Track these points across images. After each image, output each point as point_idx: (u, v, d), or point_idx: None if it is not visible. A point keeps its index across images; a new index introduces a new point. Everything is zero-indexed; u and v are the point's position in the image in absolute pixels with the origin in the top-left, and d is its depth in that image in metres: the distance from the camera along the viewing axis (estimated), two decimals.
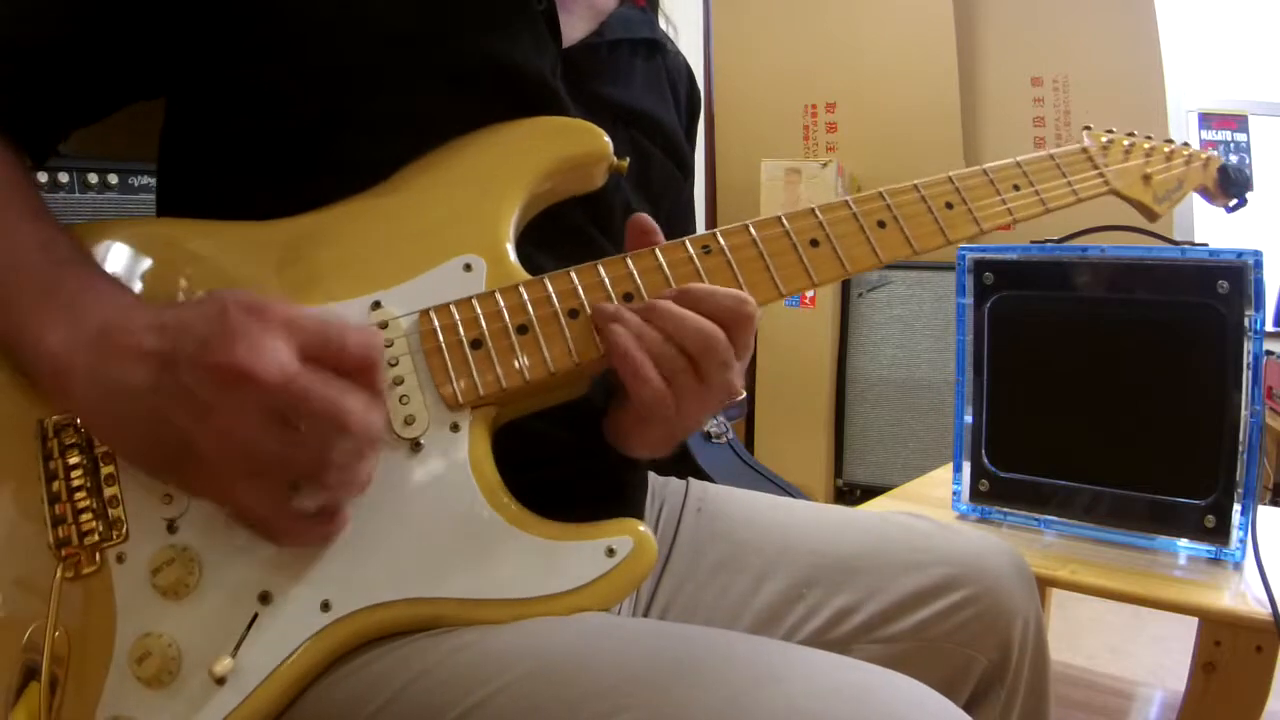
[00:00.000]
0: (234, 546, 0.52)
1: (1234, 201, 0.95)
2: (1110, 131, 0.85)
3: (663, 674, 0.47)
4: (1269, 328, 1.33)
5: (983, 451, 1.12)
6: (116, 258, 0.58)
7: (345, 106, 0.62)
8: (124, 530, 0.52)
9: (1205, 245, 1.01)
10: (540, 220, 0.66)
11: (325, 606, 0.51)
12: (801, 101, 2.92)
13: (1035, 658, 0.73)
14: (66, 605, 0.50)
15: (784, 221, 0.64)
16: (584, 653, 0.49)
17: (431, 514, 0.54)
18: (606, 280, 0.60)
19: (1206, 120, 2.83)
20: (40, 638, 0.49)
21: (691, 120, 0.87)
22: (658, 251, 0.62)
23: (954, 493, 1.14)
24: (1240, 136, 2.84)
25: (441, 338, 0.57)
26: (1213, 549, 0.98)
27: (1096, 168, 0.81)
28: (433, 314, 0.57)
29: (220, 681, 0.49)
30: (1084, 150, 0.81)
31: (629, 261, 0.61)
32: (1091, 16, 2.61)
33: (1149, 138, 0.88)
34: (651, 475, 0.82)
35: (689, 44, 2.98)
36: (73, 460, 0.53)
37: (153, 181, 1.17)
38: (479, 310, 0.58)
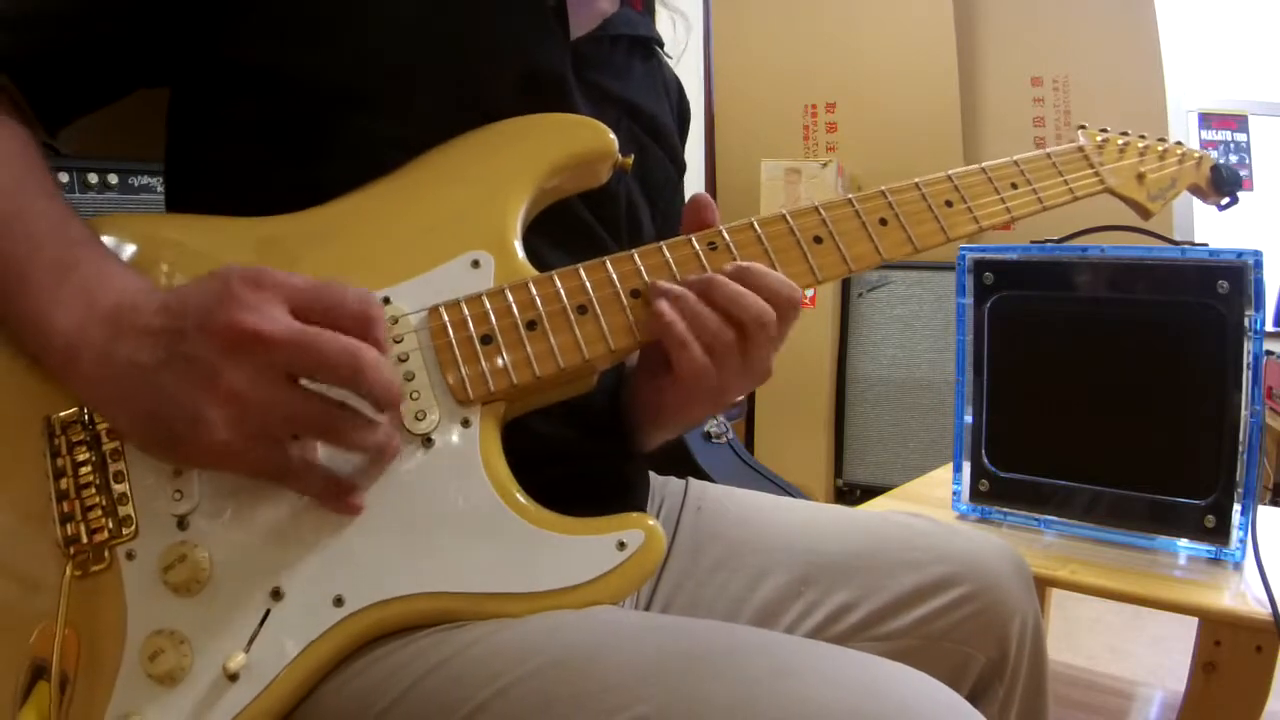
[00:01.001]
0: (245, 543, 0.52)
1: (1226, 200, 0.96)
2: (1104, 131, 0.86)
3: (677, 667, 0.47)
4: (1269, 328, 1.33)
5: (983, 451, 1.12)
6: (125, 255, 0.58)
7: (354, 90, 0.62)
8: (134, 527, 0.52)
9: (1205, 245, 1.01)
10: (543, 215, 0.66)
11: (338, 602, 0.52)
12: (801, 101, 2.92)
13: (1033, 656, 0.73)
14: (76, 603, 0.50)
15: (788, 218, 0.65)
16: (598, 646, 0.49)
17: (443, 509, 0.54)
18: (614, 276, 0.60)
19: (1206, 120, 2.83)
20: (49, 636, 0.49)
21: (682, 129, 0.88)
22: (664, 248, 0.62)
23: (954, 493, 1.15)
24: (1240, 136, 2.85)
25: (452, 334, 0.57)
26: (1213, 549, 0.99)
27: (1092, 166, 0.82)
28: (443, 310, 0.58)
29: (233, 678, 0.49)
30: (1080, 149, 0.82)
31: (636, 258, 0.61)
32: (1091, 16, 2.61)
33: (1143, 137, 0.89)
34: (651, 475, 0.82)
35: (689, 44, 2.99)
36: (81, 457, 0.53)
37: (153, 182, 1.18)
38: (489, 306, 0.58)
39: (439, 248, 0.60)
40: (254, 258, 0.59)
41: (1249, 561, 0.95)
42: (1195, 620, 1.01)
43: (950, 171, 0.72)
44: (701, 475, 1.71)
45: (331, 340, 0.49)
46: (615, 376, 0.72)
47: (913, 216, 0.68)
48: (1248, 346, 0.96)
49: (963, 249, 1.12)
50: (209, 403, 0.48)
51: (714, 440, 2.25)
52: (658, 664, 0.47)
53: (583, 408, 0.65)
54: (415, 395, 0.56)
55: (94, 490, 0.52)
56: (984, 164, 0.74)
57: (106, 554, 0.52)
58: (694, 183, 3.00)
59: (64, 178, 1.08)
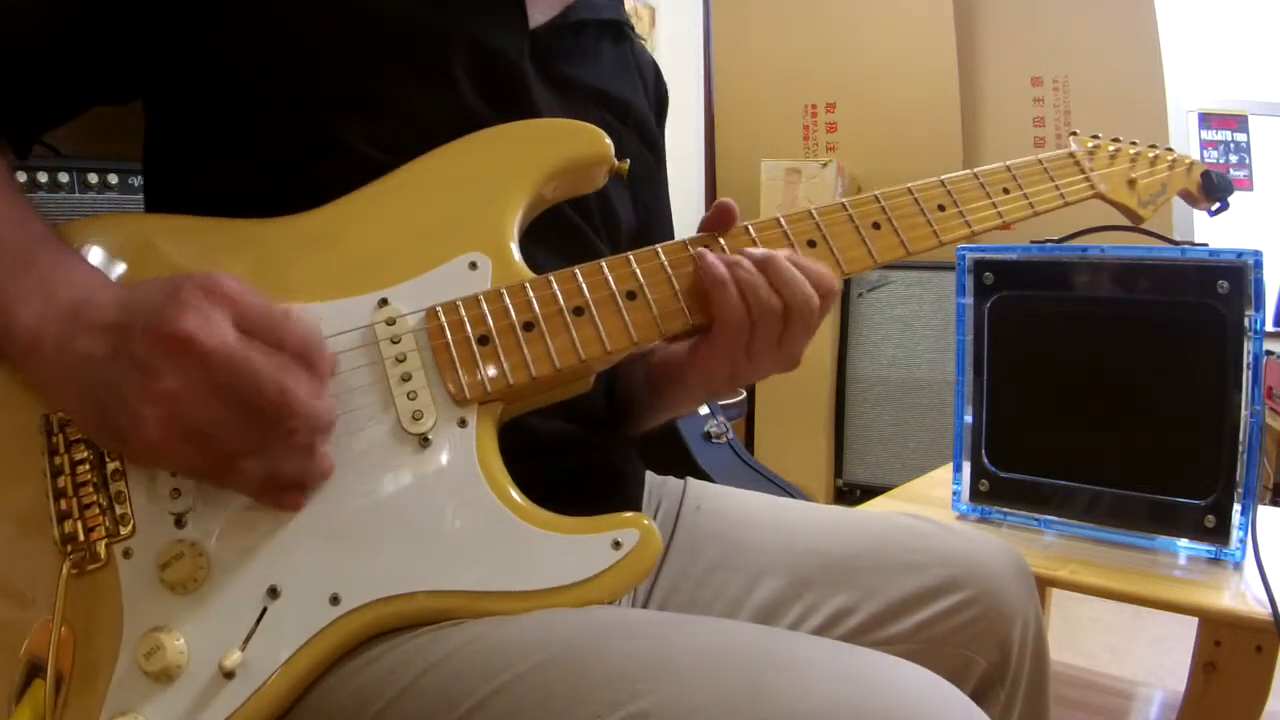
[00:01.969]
0: (242, 541, 0.52)
1: (1216, 205, 0.96)
2: (1096, 137, 0.87)
3: (676, 661, 0.47)
4: (1269, 328, 1.33)
5: (983, 451, 1.12)
6: (120, 253, 0.59)
7: (317, 88, 0.63)
8: (131, 525, 0.52)
9: (1205, 245, 1.01)
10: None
11: (334, 600, 0.52)
12: (801, 101, 2.92)
13: (1035, 658, 0.73)
14: (72, 601, 0.50)
15: (782, 222, 0.66)
16: (596, 642, 0.49)
17: (440, 508, 0.54)
18: (611, 279, 0.61)
19: (1206, 120, 2.83)
20: (45, 634, 0.49)
21: (660, 111, 0.87)
22: (660, 251, 0.63)
23: (954, 493, 1.14)
24: (1240, 136, 2.84)
25: (449, 335, 0.57)
26: (1213, 549, 0.99)
27: (1083, 172, 0.82)
28: (440, 311, 0.58)
29: (229, 675, 0.49)
30: (1071, 155, 0.83)
31: (632, 260, 0.62)
32: (1091, 16, 2.61)
33: (1134, 143, 0.90)
34: (650, 474, 0.82)
35: (689, 44, 2.99)
36: (79, 455, 0.53)
37: None
38: (486, 308, 0.58)
39: (437, 250, 0.60)
40: (251, 259, 0.59)
41: (1249, 561, 0.95)
42: (1195, 620, 1.01)
43: (943, 176, 0.73)
44: (701, 475, 1.71)
45: (264, 364, 0.49)
46: (610, 375, 0.72)
47: (905, 220, 0.70)
48: (1248, 346, 0.96)
49: (962, 249, 1.12)
50: (144, 400, 0.48)
51: (714, 440, 2.25)
52: (657, 659, 0.47)
53: (577, 403, 0.65)
54: (412, 395, 0.56)
55: (91, 488, 0.53)
56: (976, 169, 0.75)
57: (103, 552, 0.52)
58: (694, 183, 3.00)
59: (64, 178, 1.08)
